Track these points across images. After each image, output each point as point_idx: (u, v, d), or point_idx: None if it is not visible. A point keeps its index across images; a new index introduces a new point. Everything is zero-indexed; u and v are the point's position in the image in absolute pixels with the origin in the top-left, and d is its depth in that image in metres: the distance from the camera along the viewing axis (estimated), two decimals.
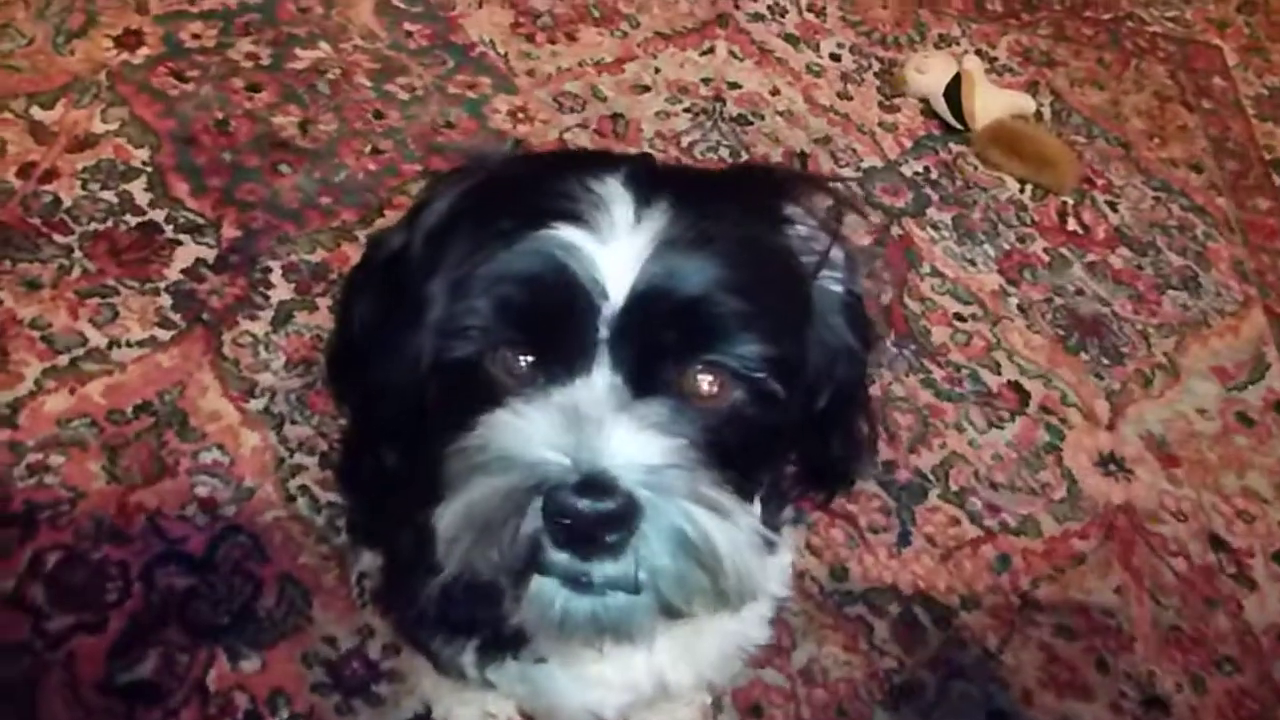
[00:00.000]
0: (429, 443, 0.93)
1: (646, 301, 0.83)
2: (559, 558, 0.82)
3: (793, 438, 0.96)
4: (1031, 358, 2.12)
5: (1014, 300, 2.22)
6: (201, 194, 2.05)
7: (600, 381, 0.84)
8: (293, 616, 1.58)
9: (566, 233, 0.84)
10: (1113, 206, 2.44)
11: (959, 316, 2.17)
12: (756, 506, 0.93)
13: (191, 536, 1.63)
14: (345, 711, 1.52)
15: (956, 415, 2.01)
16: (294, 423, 1.79)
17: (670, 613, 0.86)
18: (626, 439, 0.82)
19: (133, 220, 1.98)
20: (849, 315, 0.97)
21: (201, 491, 1.68)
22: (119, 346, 1.82)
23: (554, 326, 0.85)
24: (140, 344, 1.82)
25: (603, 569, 0.82)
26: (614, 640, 0.88)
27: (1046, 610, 1.78)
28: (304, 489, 1.71)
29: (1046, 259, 2.31)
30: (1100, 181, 2.49)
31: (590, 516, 0.79)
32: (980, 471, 1.94)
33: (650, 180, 0.89)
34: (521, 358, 0.87)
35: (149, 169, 2.06)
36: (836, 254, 0.94)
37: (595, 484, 0.79)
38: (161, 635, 1.53)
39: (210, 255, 1.96)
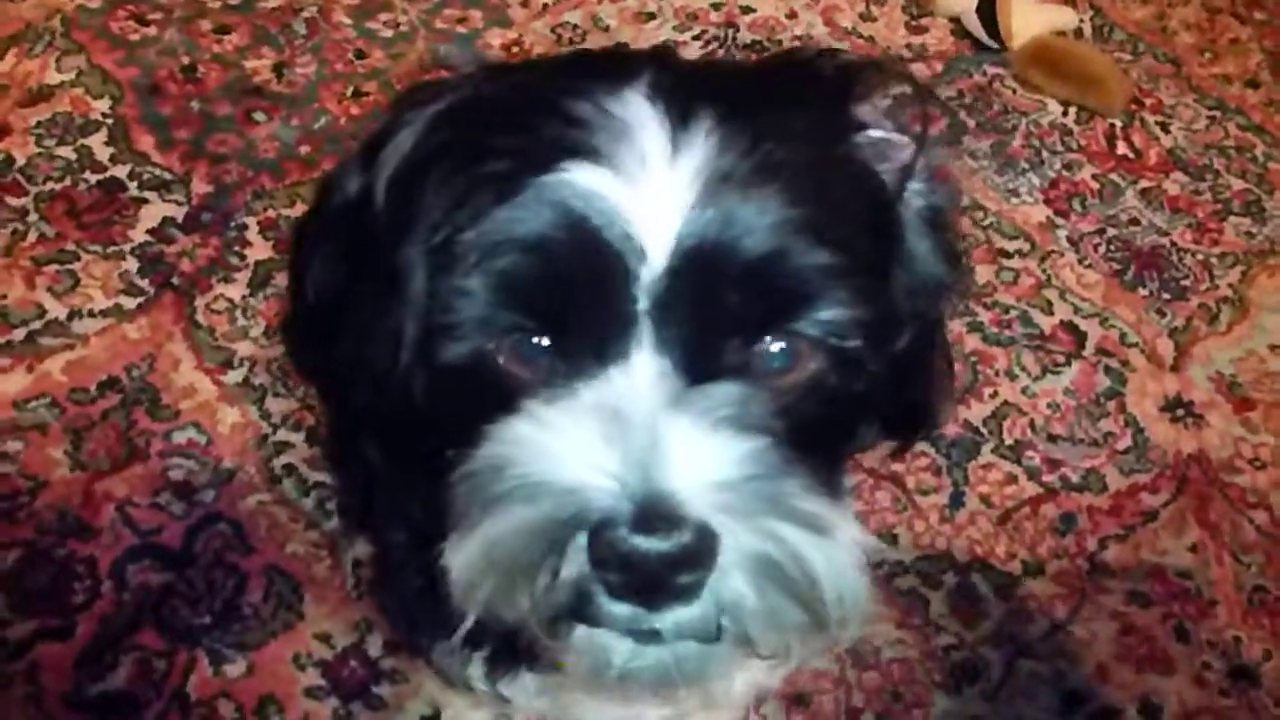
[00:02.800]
0: (423, 450, 0.76)
1: (699, 260, 0.66)
2: (616, 609, 0.67)
3: (878, 397, 0.79)
4: (1086, 295, 1.97)
5: (1063, 233, 2.06)
6: (168, 147, 1.92)
7: (643, 369, 0.68)
8: (282, 613, 1.46)
9: (582, 174, 0.67)
10: (1164, 128, 2.27)
11: (1004, 253, 2.01)
12: (849, 505, 0.75)
13: (166, 527, 1.51)
14: (343, 718, 1.40)
15: (1008, 361, 1.86)
16: (277, 395, 1.65)
17: (756, 653, 0.69)
18: (690, 447, 0.65)
19: (93, 178, 1.86)
20: (936, 237, 0.79)
21: (176, 476, 1.56)
22: (81, 318, 1.69)
23: (577, 302, 0.68)
24: (104, 314, 1.70)
25: (673, 617, 0.67)
26: (686, 688, 0.71)
27: (1118, 575, 1.65)
28: (290, 469, 1.58)
29: (1096, 187, 2.14)
30: (1150, 101, 2.31)
31: (654, 559, 0.63)
32: (1037, 423, 1.79)
33: (682, 89, 0.71)
34: (537, 343, 0.71)
35: (110, 121, 1.94)
36: (920, 161, 0.75)
37: (657, 515, 0.64)
38: (135, 639, 1.43)
39: (179, 214, 1.84)
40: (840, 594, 0.68)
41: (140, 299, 1.72)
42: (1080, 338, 1.91)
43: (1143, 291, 2.00)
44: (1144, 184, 2.17)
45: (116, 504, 1.51)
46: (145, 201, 1.84)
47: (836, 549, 0.67)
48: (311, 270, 0.80)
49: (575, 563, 0.66)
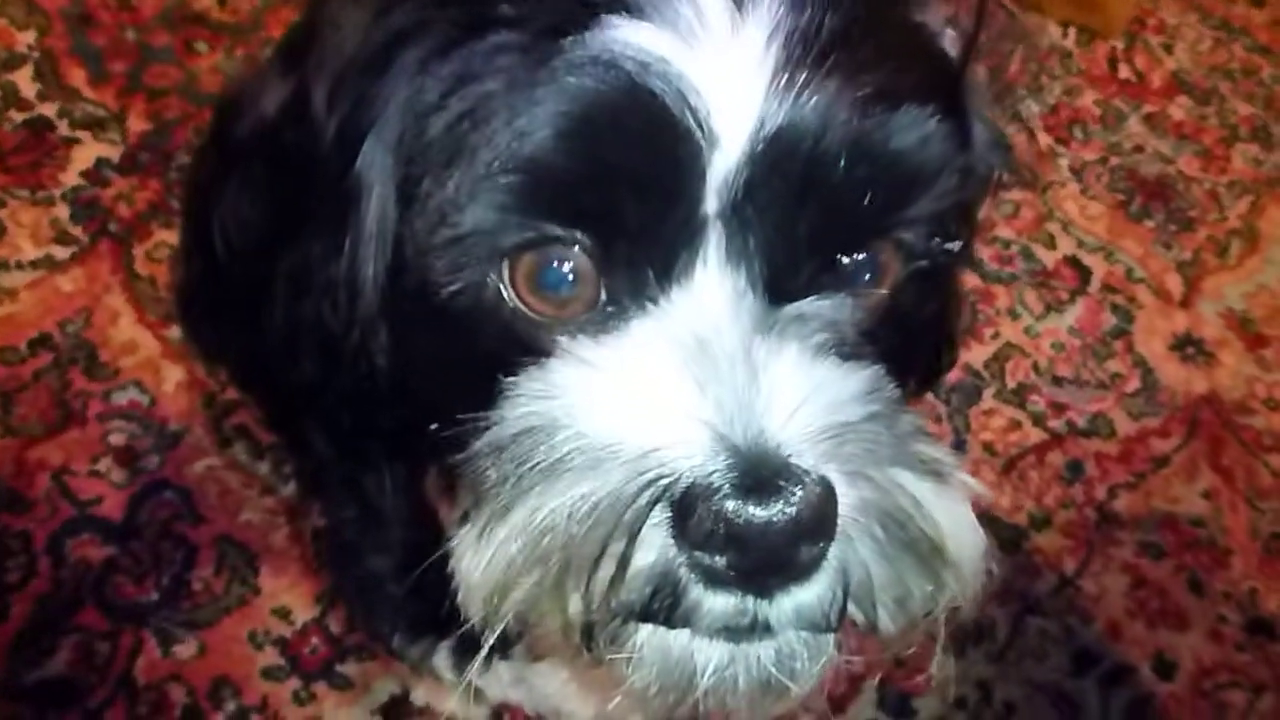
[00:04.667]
0: (390, 429, 0.63)
1: (790, 145, 0.54)
2: (717, 602, 0.54)
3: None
4: (1090, 228, 1.89)
5: (1065, 162, 1.97)
6: (102, 81, 1.80)
7: (715, 289, 0.56)
8: (236, 587, 1.38)
9: (632, 33, 0.54)
10: (1168, 49, 2.17)
11: (1002, 184, 1.88)
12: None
13: (107, 496, 1.43)
14: (306, 700, 1.32)
15: (1009, 299, 1.78)
16: None
17: (873, 636, 0.59)
18: (797, 383, 0.53)
19: (18, 117, 1.75)
20: (991, 124, 0.68)
21: (117, 440, 1.47)
22: (8, 269, 1.59)
23: (633, 201, 0.55)
24: (34, 265, 1.60)
25: (790, 603, 0.54)
26: (789, 694, 0.59)
27: (1128, 525, 1.59)
28: (241, 430, 1.49)
29: (1098, 113, 2.05)
30: (1151, 21, 2.21)
31: (773, 531, 0.51)
32: (1040, 364, 1.72)
33: None
34: (565, 261, 0.58)
35: (36, 55, 1.81)
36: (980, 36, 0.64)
37: (769, 473, 0.52)
38: (75, 620, 1.35)
39: (115, 154, 1.72)
40: (963, 550, 0.57)
41: (74, 248, 1.61)
42: (1085, 273, 1.83)
43: (1149, 223, 1.91)
44: (1148, 109, 2.08)
45: (52, 473, 1.43)
46: (77, 141, 1.72)
47: (957, 499, 0.57)
48: (218, 216, 0.67)
49: (654, 546, 0.53)
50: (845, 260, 0.58)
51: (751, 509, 0.52)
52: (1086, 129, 2.02)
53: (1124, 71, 2.11)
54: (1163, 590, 1.53)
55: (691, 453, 0.53)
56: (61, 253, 1.60)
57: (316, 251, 0.63)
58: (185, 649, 1.32)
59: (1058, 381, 1.70)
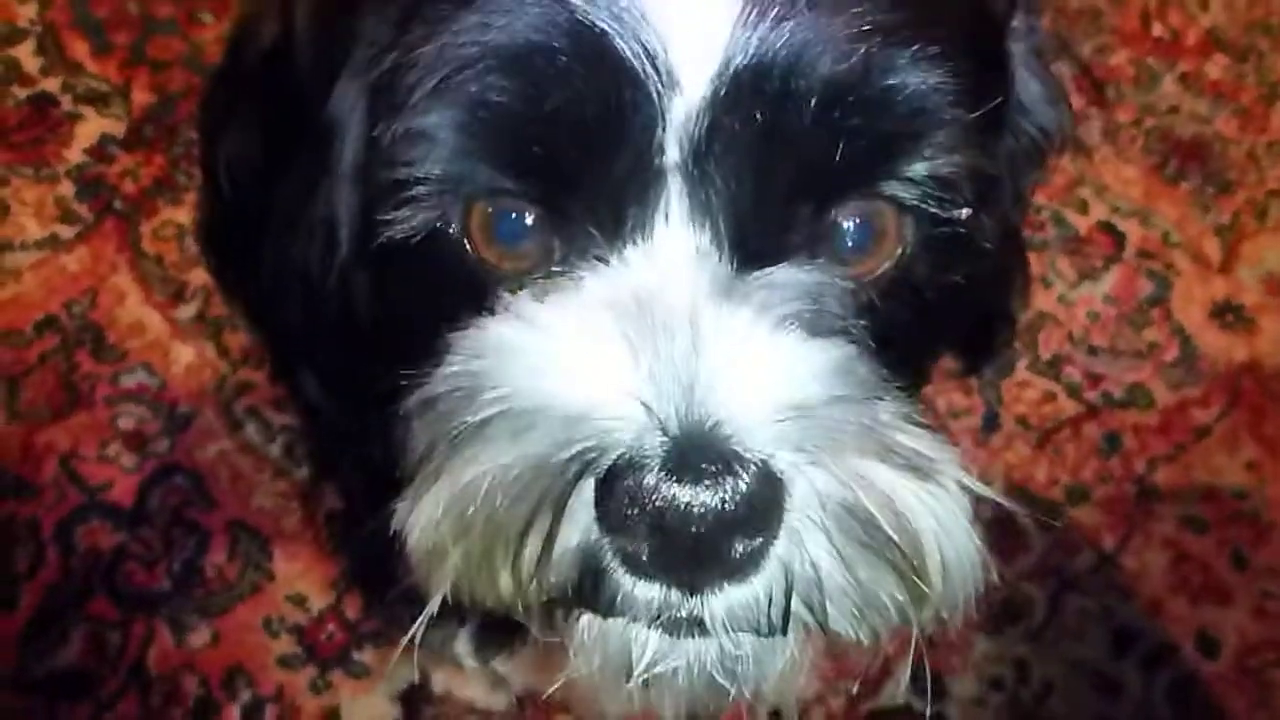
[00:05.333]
0: (374, 378, 0.60)
1: (757, 87, 0.50)
2: (640, 592, 0.51)
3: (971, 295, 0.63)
4: (1124, 192, 1.83)
5: (1097, 124, 1.90)
6: (105, 54, 1.76)
7: (674, 247, 0.52)
8: (249, 573, 1.37)
9: None
10: (1203, 6, 2.10)
11: (1058, 145, 1.84)
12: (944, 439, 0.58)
13: (116, 482, 1.41)
14: (323, 688, 1.30)
15: (1042, 267, 1.72)
16: (236, 329, 1.52)
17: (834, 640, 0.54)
18: (746, 356, 0.49)
19: (21, 93, 1.71)
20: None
21: (126, 424, 1.44)
22: (12, 250, 1.57)
23: (578, 149, 0.52)
24: (39, 245, 1.57)
25: (722, 602, 0.50)
26: (737, 694, 0.55)
27: (1168, 499, 1.55)
28: (253, 412, 1.46)
29: (1132, 73, 1.98)
30: None
31: (699, 518, 0.47)
32: (1075, 334, 1.68)
33: None
34: (522, 214, 0.55)
35: (38, 29, 1.77)
36: None
37: (702, 453, 0.48)
38: (86, 610, 1.34)
39: (119, 129, 1.69)
40: (947, 559, 0.52)
41: (79, 227, 1.58)
42: (1119, 239, 1.78)
43: (1185, 186, 1.86)
44: (1183, 68, 2.01)
45: (60, 458, 1.41)
46: (80, 117, 1.69)
47: (943, 498, 0.52)
48: (224, 149, 0.64)
49: (580, 524, 0.50)
50: (830, 222, 0.52)
51: (673, 492, 0.48)
52: (1119, 89, 1.96)
53: (1157, 29, 2.05)
54: (1205, 565, 1.49)
55: (623, 424, 0.49)
56: (66, 232, 1.57)
57: (300, 189, 0.61)
58: (198, 638, 1.31)
59: (1093, 351, 1.66)
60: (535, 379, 0.51)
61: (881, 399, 0.53)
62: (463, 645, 0.87)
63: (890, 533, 0.50)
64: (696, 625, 0.52)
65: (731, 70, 0.50)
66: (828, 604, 0.51)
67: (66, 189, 1.61)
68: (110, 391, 1.45)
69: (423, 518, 0.54)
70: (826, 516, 0.50)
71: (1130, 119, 1.92)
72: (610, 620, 0.54)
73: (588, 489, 0.49)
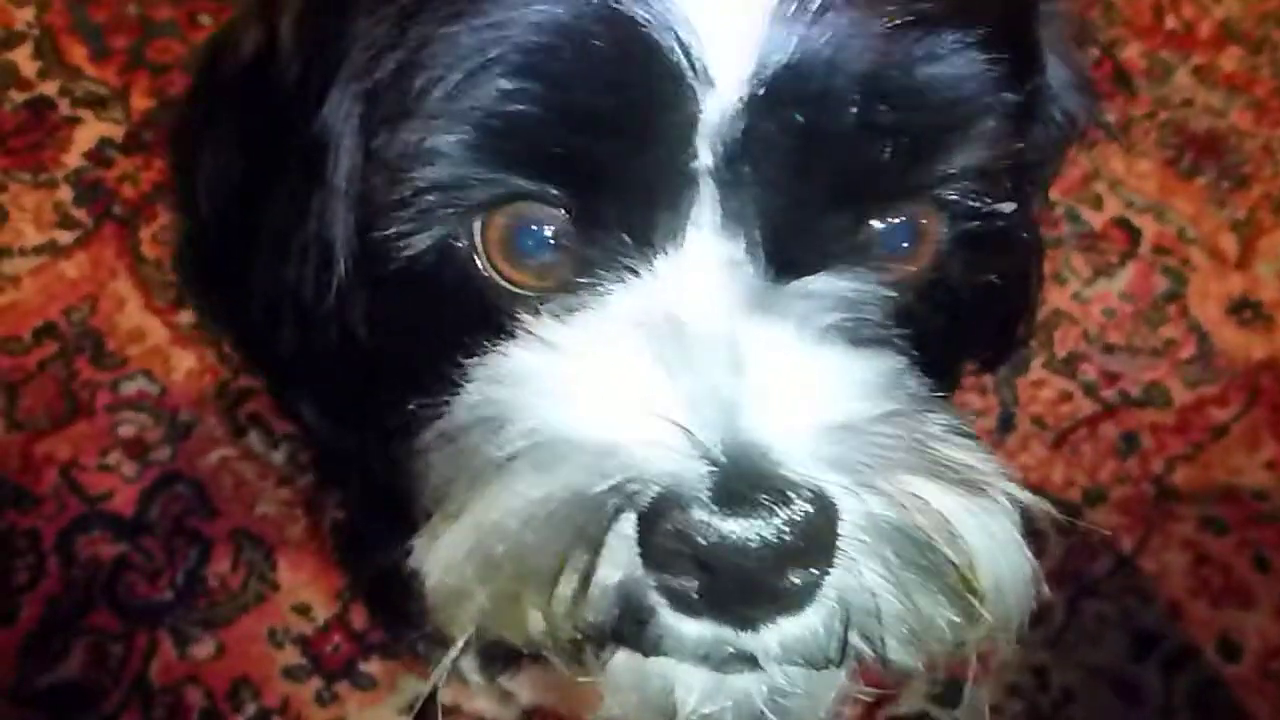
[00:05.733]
0: (376, 407, 0.57)
1: (796, 88, 0.46)
2: (687, 630, 0.48)
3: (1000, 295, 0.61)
4: (1138, 187, 1.81)
5: (1111, 118, 1.85)
6: (104, 58, 1.75)
7: (705, 257, 0.49)
8: (253, 583, 1.34)
9: None
10: None
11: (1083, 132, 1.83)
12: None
13: (118, 491, 1.39)
14: (328, 700, 1.27)
15: (1056, 264, 1.70)
16: None
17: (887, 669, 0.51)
18: (791, 373, 0.46)
19: (19, 97, 1.70)
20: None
21: (126, 432, 1.42)
22: (10, 256, 1.55)
23: (603, 153, 0.48)
24: (37, 251, 1.56)
25: (776, 637, 0.47)
26: None
27: (1187, 499, 1.52)
28: (255, 419, 1.44)
29: (1144, 66, 1.96)
30: None
31: (753, 552, 0.45)
32: (1090, 331, 1.65)
33: None
34: (544, 224, 0.52)
35: (36, 32, 1.76)
36: None
37: (752, 482, 0.45)
38: (88, 622, 1.31)
39: (118, 133, 1.68)
40: (1001, 577, 0.50)
41: (78, 232, 1.57)
42: (1134, 235, 1.76)
43: (1200, 180, 1.83)
44: (1196, 61, 1.98)
45: (60, 467, 1.38)
46: (79, 121, 1.67)
47: (995, 513, 0.49)
48: (202, 170, 0.61)
49: (619, 561, 0.47)
50: (872, 226, 0.50)
51: (724, 526, 0.45)
52: (1133, 83, 1.94)
53: (1170, 21, 2.02)
54: (1226, 567, 1.46)
55: (663, 455, 0.46)
56: (65, 237, 1.56)
57: (290, 210, 0.58)
58: (202, 649, 1.28)
59: (1109, 349, 1.64)
60: (564, 407, 0.49)
61: (930, 411, 0.50)
62: (468, 662, 0.84)
63: (947, 553, 0.48)
64: (747, 661, 0.49)
65: (769, 67, 0.47)
66: (885, 632, 0.49)
67: (65, 194, 1.60)
68: (110, 399, 1.42)
69: (445, 559, 0.51)
70: (881, 540, 0.47)
71: (1144, 113, 1.89)
72: (654, 660, 0.50)
73: (628, 524, 0.46)
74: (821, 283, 0.50)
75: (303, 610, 1.30)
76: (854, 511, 0.46)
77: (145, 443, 1.40)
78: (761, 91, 0.47)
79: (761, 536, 0.45)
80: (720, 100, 0.47)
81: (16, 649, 1.26)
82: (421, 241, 0.52)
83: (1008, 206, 0.53)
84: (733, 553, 0.45)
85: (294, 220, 0.57)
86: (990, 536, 0.49)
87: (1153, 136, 1.86)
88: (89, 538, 1.34)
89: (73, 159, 1.63)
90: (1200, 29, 2.02)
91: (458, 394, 0.52)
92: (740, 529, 0.45)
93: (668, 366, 0.47)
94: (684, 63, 0.46)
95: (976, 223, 0.53)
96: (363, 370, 0.60)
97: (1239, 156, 1.86)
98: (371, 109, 0.54)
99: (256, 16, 0.59)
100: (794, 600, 0.47)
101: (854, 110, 0.47)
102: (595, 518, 0.46)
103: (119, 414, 1.42)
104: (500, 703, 1.17)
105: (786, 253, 0.49)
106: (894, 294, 0.53)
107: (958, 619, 0.50)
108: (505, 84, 0.48)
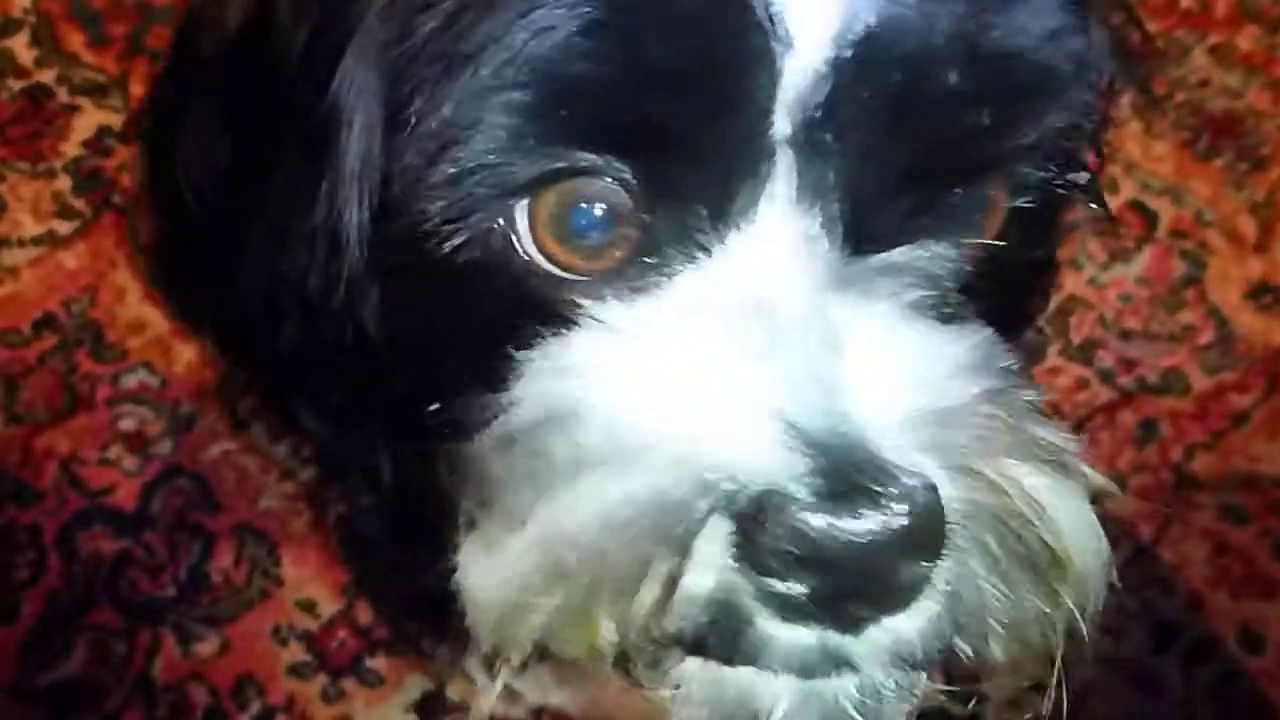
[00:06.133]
0: (388, 407, 0.55)
1: (886, 49, 0.43)
2: (791, 637, 0.45)
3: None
4: (1154, 169, 1.77)
5: (1125, 99, 1.81)
6: (102, 45, 1.71)
7: (781, 234, 0.45)
8: (257, 579, 1.31)
9: None
10: None
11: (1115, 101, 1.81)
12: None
13: (119, 485, 1.35)
14: (334, 697, 1.25)
15: (1071, 249, 1.65)
16: None
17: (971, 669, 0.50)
18: (888, 356, 0.44)
19: (16, 85, 1.66)
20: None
21: (127, 426, 1.39)
22: (8, 247, 1.52)
23: (689, 116, 0.45)
24: (35, 241, 1.53)
25: (882, 638, 0.45)
26: None
27: (1207, 488, 1.50)
28: (258, 411, 1.36)
29: (1160, 46, 1.90)
30: None
31: (867, 548, 0.42)
32: (1107, 317, 1.63)
33: None
34: (603, 200, 0.48)
35: (32, 19, 1.73)
36: None
37: (857, 474, 0.42)
38: (89, 619, 1.28)
39: (117, 121, 1.64)
40: (1087, 563, 0.48)
41: (77, 222, 1.53)
42: (1151, 218, 1.73)
43: (1218, 162, 1.80)
44: (1213, 40, 1.94)
45: (60, 461, 1.35)
46: (77, 109, 1.64)
47: (1078, 494, 0.47)
48: (182, 155, 0.57)
49: (711, 566, 0.44)
50: (957, 196, 0.47)
51: (835, 523, 0.42)
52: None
53: (1185, 1, 1.99)
54: (1247, 557, 1.44)
55: (759, 449, 0.43)
56: (64, 227, 1.53)
57: (292, 195, 0.54)
58: (206, 646, 1.26)
59: (1126, 335, 1.61)
60: (641, 399, 0.45)
61: (1022, 389, 0.48)
62: (474, 661, 0.82)
63: (1045, 538, 0.46)
64: (840, 664, 0.46)
65: (856, 27, 0.43)
66: (990, 624, 0.47)
67: (64, 184, 1.57)
68: (111, 392, 1.40)
69: (507, 572, 0.47)
70: (982, 527, 0.45)
71: (1160, 94, 1.85)
72: (735, 669, 0.47)
73: (721, 525, 0.43)
74: (903, 256, 0.47)
75: (307, 606, 1.28)
76: (956, 498, 0.44)
77: (146, 436, 1.38)
78: (848, 53, 0.43)
79: (876, 531, 0.42)
80: (802, 62, 0.44)
81: (17, 646, 1.24)
82: (462, 227, 0.48)
83: (1080, 177, 0.50)
84: (846, 551, 0.42)
85: (297, 206, 0.53)
86: (1079, 518, 0.47)
87: (1169, 118, 1.83)
88: (90, 533, 1.31)
89: (71, 148, 1.60)
90: (1216, 8, 1.98)
91: (507, 390, 0.48)
92: (853, 525, 0.42)
93: (755, 351, 0.44)
94: (766, 21, 0.43)
95: (1039, 193, 0.50)
96: (374, 368, 0.56)
97: (1257, 138, 1.82)
98: (398, 79, 0.49)
99: None
100: (905, 597, 0.44)
101: (947, 73, 0.44)
102: (683, 520, 0.43)
103: (119, 407, 1.39)
104: (507, 702, 1.15)
105: (867, 225, 0.46)
106: (965, 265, 0.50)
107: (1046, 606, 0.48)
108: (570, 43, 0.43)
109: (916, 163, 0.46)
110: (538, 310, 0.49)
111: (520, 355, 0.48)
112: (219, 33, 0.55)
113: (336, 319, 0.55)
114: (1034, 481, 0.46)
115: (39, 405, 1.38)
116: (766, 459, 0.43)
